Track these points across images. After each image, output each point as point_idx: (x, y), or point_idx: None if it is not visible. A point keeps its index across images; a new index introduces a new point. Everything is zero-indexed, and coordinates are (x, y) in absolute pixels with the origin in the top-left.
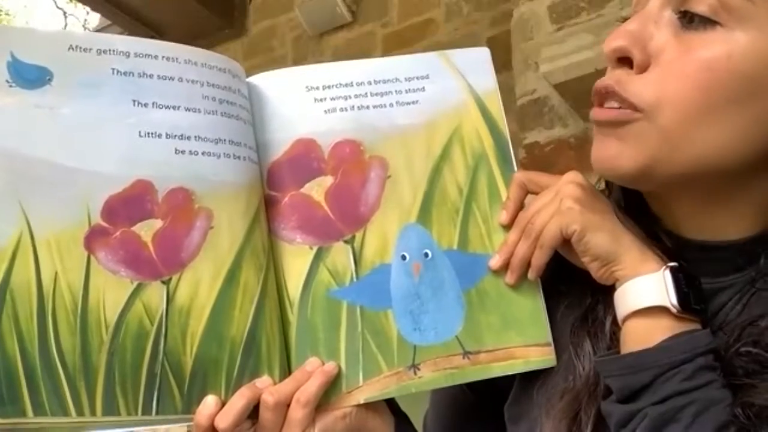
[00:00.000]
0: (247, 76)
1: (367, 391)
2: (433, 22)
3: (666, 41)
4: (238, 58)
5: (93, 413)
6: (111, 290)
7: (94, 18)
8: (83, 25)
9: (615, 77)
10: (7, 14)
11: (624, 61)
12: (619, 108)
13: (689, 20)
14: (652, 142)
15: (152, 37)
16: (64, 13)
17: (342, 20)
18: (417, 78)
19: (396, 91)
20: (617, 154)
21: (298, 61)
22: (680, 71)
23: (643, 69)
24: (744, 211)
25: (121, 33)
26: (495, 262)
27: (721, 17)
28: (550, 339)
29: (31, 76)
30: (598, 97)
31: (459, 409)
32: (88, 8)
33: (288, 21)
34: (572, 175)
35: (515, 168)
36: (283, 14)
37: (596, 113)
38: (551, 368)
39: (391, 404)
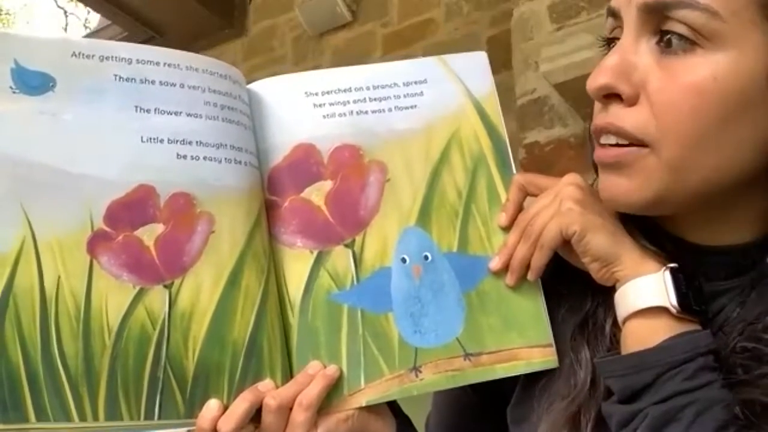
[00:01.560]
0: (248, 76)
1: (368, 393)
2: (433, 21)
3: (650, 70)
4: (238, 58)
5: (95, 418)
6: (113, 295)
7: (95, 17)
8: (84, 25)
9: (611, 114)
10: (7, 14)
11: (611, 96)
12: (619, 144)
13: (667, 44)
14: (659, 176)
15: (152, 37)
16: (65, 12)
17: (342, 20)
18: (415, 83)
19: (394, 96)
20: (626, 190)
21: (298, 61)
22: (669, 99)
23: (634, 101)
24: (744, 216)
25: (121, 33)
26: (495, 263)
27: (698, 39)
28: (551, 340)
29: (34, 83)
30: (597, 135)
31: (461, 411)
32: (88, 8)
33: (288, 21)
34: (571, 177)
35: (514, 170)
36: (283, 14)
37: (600, 154)
38: (553, 371)
39: (392, 406)
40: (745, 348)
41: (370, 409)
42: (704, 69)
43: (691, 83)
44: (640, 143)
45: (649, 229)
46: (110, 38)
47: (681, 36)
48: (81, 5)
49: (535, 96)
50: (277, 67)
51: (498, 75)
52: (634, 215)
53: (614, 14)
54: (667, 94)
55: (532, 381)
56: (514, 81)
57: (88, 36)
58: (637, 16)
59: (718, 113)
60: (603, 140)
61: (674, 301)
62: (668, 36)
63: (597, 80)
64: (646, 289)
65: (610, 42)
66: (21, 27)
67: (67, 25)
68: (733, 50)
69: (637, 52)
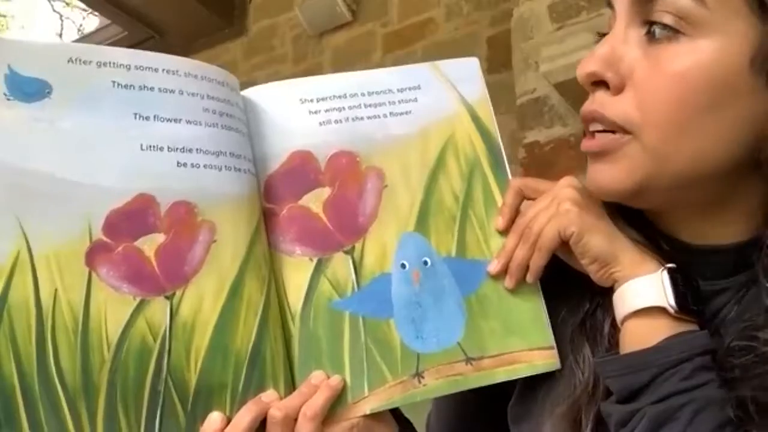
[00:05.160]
0: (248, 76)
1: (372, 401)
2: (433, 21)
3: (636, 60)
4: (238, 57)
5: None
6: (113, 307)
7: (90, 23)
8: (78, 29)
9: (598, 101)
10: (3, 16)
11: (600, 84)
12: (604, 131)
13: (653, 34)
14: (642, 161)
15: (152, 37)
16: (61, 17)
17: (342, 20)
18: (409, 89)
19: (389, 102)
20: (611, 177)
21: (298, 60)
22: (654, 87)
23: (620, 90)
24: (738, 215)
25: (121, 33)
26: (494, 266)
27: (683, 28)
28: (552, 342)
29: (29, 89)
30: (585, 122)
31: (461, 411)
32: (83, 13)
33: (288, 20)
34: (569, 180)
35: (509, 173)
36: (283, 14)
37: (586, 144)
38: (554, 372)
39: (394, 410)
40: (740, 347)
41: (374, 415)
42: (688, 57)
43: (675, 71)
44: (623, 131)
45: (645, 228)
46: (110, 38)
47: (665, 25)
48: (76, 10)
49: (535, 96)
50: (277, 67)
51: (498, 75)
52: (632, 215)
53: (609, 4)
54: (652, 82)
55: (533, 380)
56: (514, 81)
57: (87, 36)
58: (626, 5)
59: (701, 100)
60: (591, 127)
61: (672, 301)
62: (654, 26)
63: (585, 68)
64: (644, 290)
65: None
66: (16, 31)
67: (62, 30)
68: (717, 39)
69: (626, 42)
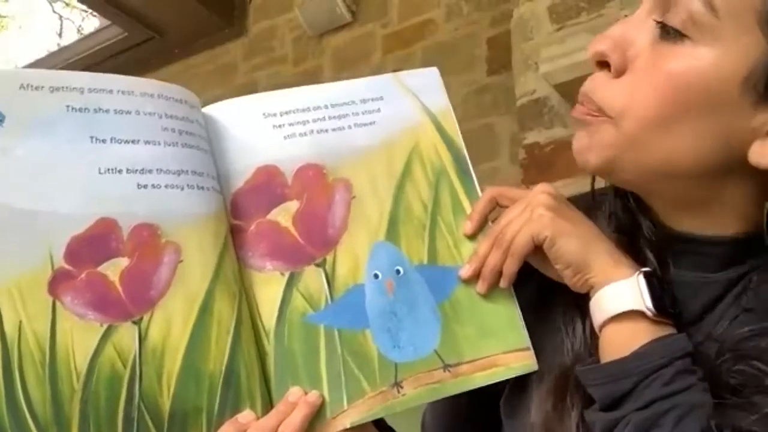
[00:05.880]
0: (248, 76)
1: (352, 414)
2: (433, 22)
3: (642, 49)
4: (238, 58)
5: None
6: (79, 335)
7: (89, 24)
8: (78, 29)
9: (594, 82)
10: (3, 17)
11: (605, 64)
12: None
13: (666, 31)
14: (614, 144)
15: (152, 38)
16: (60, 17)
17: (342, 20)
18: (372, 100)
19: (353, 113)
20: (586, 147)
21: (298, 61)
22: (648, 81)
23: (621, 73)
24: (726, 211)
25: (121, 33)
26: (465, 271)
27: (691, 32)
28: (528, 343)
29: None
30: (580, 97)
31: (456, 409)
32: (83, 14)
33: (288, 21)
34: (543, 186)
35: (475, 181)
36: (283, 14)
37: (574, 111)
38: (544, 357)
39: (377, 421)
40: (739, 370)
41: (356, 428)
42: (686, 61)
43: (670, 71)
44: (602, 113)
45: (636, 216)
46: (110, 39)
47: (674, 29)
48: (76, 11)
49: (535, 96)
50: (278, 68)
51: (498, 75)
52: (624, 201)
53: None
54: (647, 74)
55: (522, 378)
56: (514, 82)
57: (88, 37)
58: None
59: (685, 104)
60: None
61: (650, 303)
62: (667, 25)
63: (595, 46)
64: (620, 294)
65: None
66: (14, 32)
67: (62, 30)
68: (719, 49)
69: (641, 29)
